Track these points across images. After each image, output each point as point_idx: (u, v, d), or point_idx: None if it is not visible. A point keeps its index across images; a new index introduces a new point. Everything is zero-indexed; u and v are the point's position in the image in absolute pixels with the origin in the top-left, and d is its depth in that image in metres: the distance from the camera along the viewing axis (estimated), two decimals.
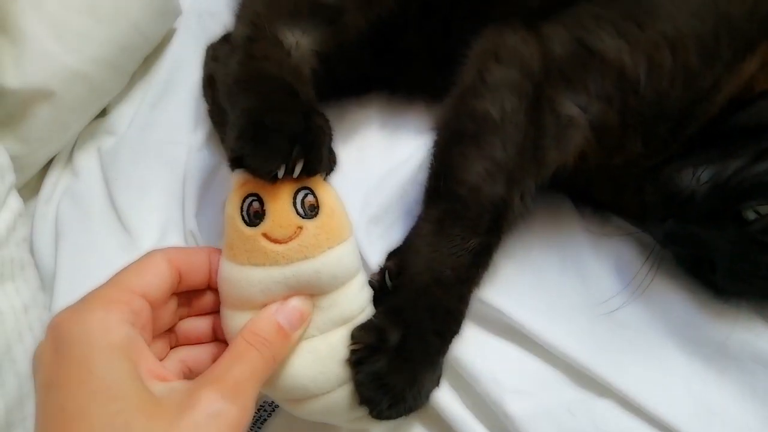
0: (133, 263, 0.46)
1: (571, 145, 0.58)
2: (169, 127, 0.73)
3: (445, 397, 0.58)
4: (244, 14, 0.61)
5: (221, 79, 0.60)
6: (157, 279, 0.46)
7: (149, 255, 0.47)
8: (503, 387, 0.57)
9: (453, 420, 0.57)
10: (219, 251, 0.50)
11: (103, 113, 0.78)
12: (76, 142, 0.76)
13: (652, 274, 0.63)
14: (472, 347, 0.59)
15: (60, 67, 0.68)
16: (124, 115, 0.77)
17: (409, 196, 0.66)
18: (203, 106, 0.72)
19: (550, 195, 0.68)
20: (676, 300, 0.62)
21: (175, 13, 0.80)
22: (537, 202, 0.67)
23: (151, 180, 0.71)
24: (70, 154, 0.76)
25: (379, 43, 0.68)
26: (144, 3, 0.74)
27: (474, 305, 0.60)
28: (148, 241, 0.68)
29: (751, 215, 0.53)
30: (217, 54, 0.70)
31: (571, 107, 0.57)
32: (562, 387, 0.59)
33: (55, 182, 0.75)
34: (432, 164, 0.59)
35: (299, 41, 0.59)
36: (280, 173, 0.46)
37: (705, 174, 0.55)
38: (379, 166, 0.70)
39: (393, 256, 0.59)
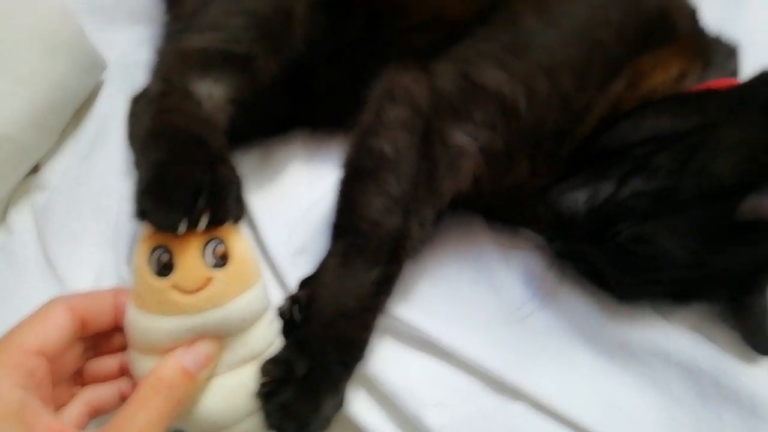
0: (29, 316, 0.47)
1: (463, 173, 0.62)
2: (100, 178, 0.75)
3: (367, 413, 0.62)
4: (157, 69, 0.63)
5: (135, 134, 0.63)
6: (55, 331, 0.46)
7: (48, 306, 0.47)
8: (421, 401, 0.61)
9: None
10: (126, 292, 0.51)
11: (35, 169, 0.79)
12: (8, 200, 0.77)
13: (558, 283, 0.67)
14: (391, 364, 0.63)
15: None
16: (55, 170, 0.78)
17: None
18: (131, 157, 0.74)
19: (462, 213, 0.73)
20: (580, 305, 0.67)
21: (100, 67, 0.82)
22: (450, 220, 0.72)
23: (84, 230, 0.72)
24: (3, 212, 0.77)
25: (293, 84, 0.72)
26: (67, 61, 0.75)
27: (391, 323, 0.64)
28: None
29: (622, 230, 0.58)
30: (135, 109, 0.73)
31: (460, 137, 0.62)
32: (478, 395, 0.63)
33: None
34: (337, 200, 0.63)
35: (211, 91, 0.61)
36: (183, 227, 0.47)
37: (582, 196, 0.60)
38: (304, 199, 0.73)
39: (305, 284, 0.62)
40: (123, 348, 0.52)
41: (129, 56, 0.84)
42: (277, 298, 0.62)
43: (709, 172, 0.56)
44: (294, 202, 0.73)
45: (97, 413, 0.50)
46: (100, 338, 0.52)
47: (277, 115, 0.76)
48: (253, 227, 0.71)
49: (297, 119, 0.78)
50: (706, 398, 0.62)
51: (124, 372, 0.53)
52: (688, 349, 0.63)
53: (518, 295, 0.68)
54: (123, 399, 0.52)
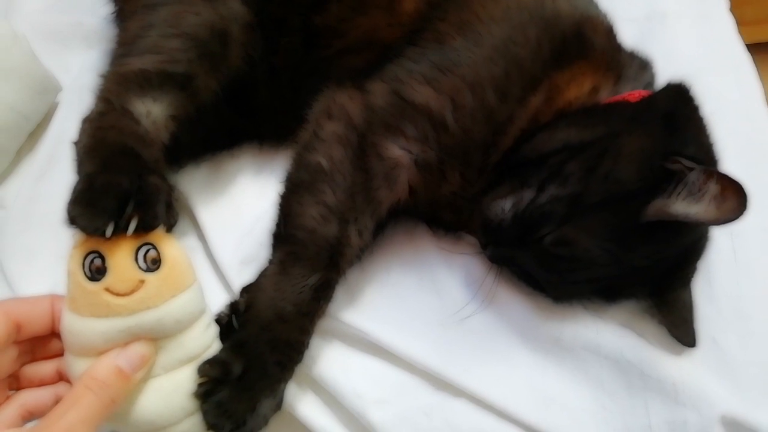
0: None
1: (399, 183, 0.66)
2: (53, 198, 0.74)
3: (314, 413, 0.64)
4: (98, 92, 0.65)
5: (75, 152, 0.65)
6: None
7: None
8: (365, 399, 0.64)
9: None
10: (62, 299, 0.52)
11: None
12: None
13: (495, 285, 0.71)
14: (336, 365, 0.66)
15: None
16: (11, 190, 0.80)
17: None
18: None
19: (406, 221, 0.76)
20: (517, 305, 0.70)
21: (55, 90, 0.84)
22: (394, 228, 0.75)
23: (38, 247, 0.74)
24: None
25: (238, 100, 0.75)
26: (20, 85, 0.78)
27: (337, 326, 0.67)
28: None
29: (544, 234, 0.62)
30: (79, 130, 0.75)
31: (394, 150, 0.65)
32: (420, 393, 0.66)
33: None
34: (277, 212, 0.66)
35: (150, 110, 0.63)
36: (109, 230, 0.49)
37: (507, 204, 0.63)
38: (253, 210, 0.75)
39: (245, 291, 0.65)
40: (60, 353, 0.53)
41: (83, 80, 0.85)
42: (224, 304, 0.64)
43: (613, 178, 0.60)
44: (242, 214, 0.76)
45: (32, 416, 0.51)
46: (37, 343, 0.53)
47: (225, 131, 0.79)
48: (203, 238, 0.73)
49: (244, 135, 0.81)
50: (633, 388, 0.66)
51: (61, 377, 0.54)
52: (617, 343, 0.67)
53: (459, 298, 0.71)
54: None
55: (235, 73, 0.70)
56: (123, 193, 0.52)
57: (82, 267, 0.50)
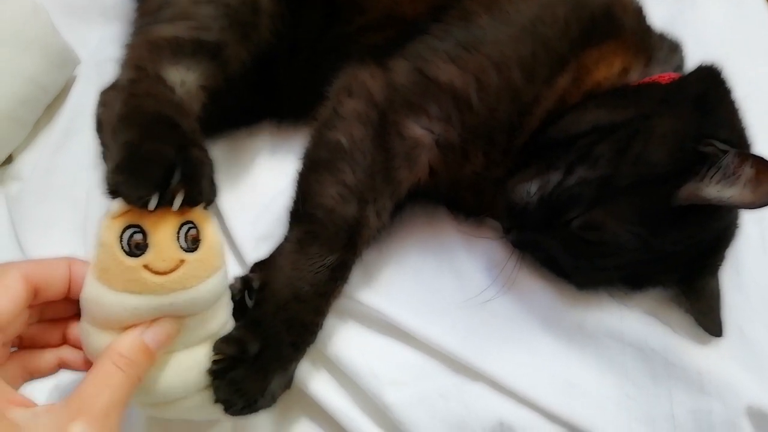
0: None
1: (419, 164, 0.65)
2: (70, 171, 0.77)
3: (329, 392, 0.63)
4: (128, 59, 0.63)
5: (107, 120, 0.63)
6: (9, 303, 0.45)
7: (2, 274, 0.46)
8: (381, 379, 0.63)
9: (337, 413, 0.63)
10: (80, 263, 0.50)
11: (8, 160, 0.81)
12: None
13: (516, 270, 0.69)
14: (353, 345, 0.65)
15: None
16: (28, 162, 0.80)
17: None
18: (100, 150, 0.76)
19: (426, 203, 0.75)
20: (539, 291, 0.69)
21: (73, 63, 0.83)
22: (413, 210, 0.74)
23: (54, 220, 0.74)
24: None
25: (260, 75, 0.74)
26: (39, 57, 0.77)
27: (355, 306, 0.66)
28: None
29: (572, 218, 0.60)
30: (105, 99, 0.74)
31: (415, 129, 0.64)
32: (437, 375, 0.65)
33: None
34: (295, 190, 0.65)
35: (184, 78, 0.61)
36: (154, 202, 0.47)
37: (533, 187, 0.62)
38: (269, 188, 0.74)
39: (257, 267, 0.64)
40: (68, 317, 0.52)
41: (101, 54, 0.85)
42: (234, 277, 0.62)
43: (644, 160, 0.59)
44: (259, 191, 0.75)
45: (32, 377, 0.50)
46: (47, 305, 0.51)
47: (245, 107, 0.78)
48: (219, 215, 0.72)
49: (263, 112, 0.80)
50: (657, 376, 0.64)
51: (66, 341, 0.53)
52: (642, 331, 0.66)
53: (479, 282, 0.70)
54: (61, 367, 0.52)
55: (263, 45, 0.69)
56: (169, 163, 0.49)
57: (119, 240, 0.47)
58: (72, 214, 0.74)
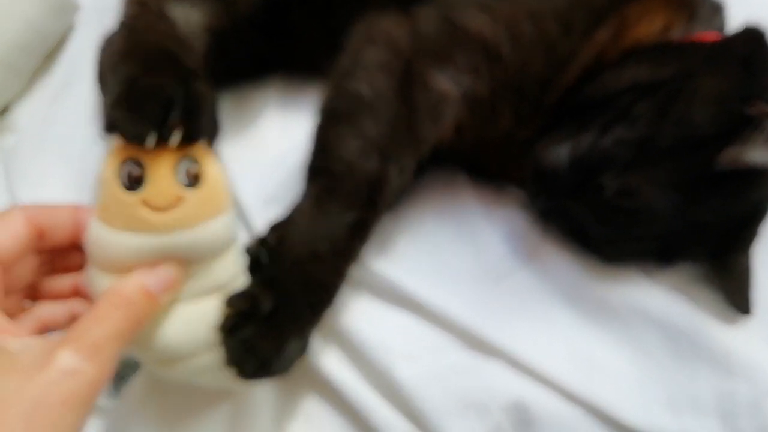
0: None
1: (445, 119, 0.61)
2: (67, 122, 0.74)
3: (336, 365, 0.61)
4: None
5: (106, 58, 0.60)
6: (10, 239, 0.45)
7: (4, 213, 0.47)
8: (393, 354, 0.60)
9: (345, 387, 0.60)
10: (86, 209, 0.50)
11: (4, 111, 0.79)
12: None
13: (540, 241, 0.66)
14: (364, 317, 0.62)
15: None
16: (24, 113, 0.78)
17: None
18: (99, 101, 0.73)
19: (445, 168, 0.71)
20: (561, 263, 0.66)
21: (72, 9, 0.80)
22: (432, 175, 0.70)
23: (49, 173, 0.71)
24: None
25: (271, 21, 0.70)
26: (38, 2, 0.74)
27: (367, 277, 0.64)
28: None
29: (606, 183, 0.57)
30: (107, 41, 0.71)
31: (442, 81, 0.60)
32: (452, 351, 0.62)
33: None
34: (312, 144, 0.61)
35: (188, 15, 0.59)
36: (151, 139, 0.46)
37: (564, 149, 0.58)
38: (277, 146, 0.71)
39: (275, 228, 0.61)
40: (79, 268, 0.51)
41: (101, 1, 0.81)
42: (252, 237, 0.60)
43: (687, 121, 0.56)
44: (266, 149, 0.72)
45: (46, 330, 0.50)
46: (56, 256, 0.51)
47: (253, 57, 0.74)
48: (224, 172, 0.69)
49: (273, 63, 0.76)
50: (681, 356, 0.62)
51: (77, 293, 0.52)
52: (667, 308, 0.63)
53: (499, 253, 0.67)
54: (74, 319, 0.50)
55: None
56: (167, 99, 0.48)
57: (118, 175, 0.46)
58: (68, 168, 0.71)
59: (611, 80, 0.59)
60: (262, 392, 0.61)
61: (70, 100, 0.76)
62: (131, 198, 0.46)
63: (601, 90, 0.59)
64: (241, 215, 0.67)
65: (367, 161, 0.58)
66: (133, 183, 0.46)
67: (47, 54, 0.80)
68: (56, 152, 0.72)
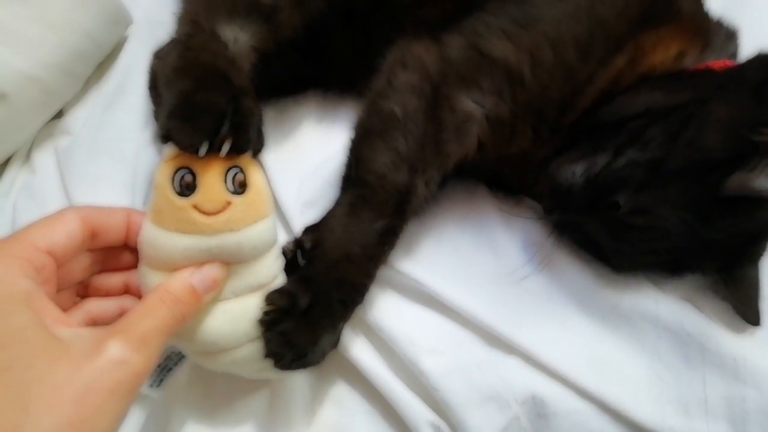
0: (42, 219, 0.47)
1: (469, 137, 0.65)
2: (120, 127, 0.78)
3: (366, 356, 0.65)
4: (184, 14, 0.66)
5: (161, 71, 0.64)
6: (65, 237, 0.47)
7: (61, 212, 0.48)
8: (419, 347, 0.64)
9: (373, 376, 0.64)
10: (139, 213, 0.53)
11: (59, 115, 0.82)
12: (33, 141, 0.81)
13: (554, 249, 0.70)
14: (392, 313, 0.66)
15: (12, 71, 0.72)
16: (78, 117, 0.81)
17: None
18: (151, 108, 0.77)
19: (466, 181, 0.75)
20: (575, 271, 0.70)
21: (126, 22, 0.84)
22: (454, 186, 0.74)
23: (103, 175, 0.75)
24: (28, 152, 0.81)
25: (311, 44, 0.75)
26: (95, 12, 0.78)
27: (394, 276, 0.68)
28: None
29: (619, 201, 0.60)
30: (160, 54, 0.75)
31: (467, 103, 0.64)
32: (473, 347, 0.66)
33: (13, 178, 0.79)
34: (347, 156, 0.66)
35: (237, 36, 0.63)
36: (204, 149, 0.50)
37: (579, 168, 0.62)
38: (315, 156, 0.76)
39: (309, 231, 0.65)
40: (129, 267, 0.54)
41: (153, 15, 0.86)
42: (289, 240, 0.65)
43: (698, 145, 0.58)
44: (305, 159, 0.76)
45: (95, 324, 0.52)
46: (108, 255, 0.54)
47: (293, 75, 0.79)
48: (266, 180, 0.73)
49: (311, 81, 0.81)
50: (691, 361, 0.64)
51: (127, 290, 0.55)
52: (677, 315, 0.66)
53: (516, 259, 0.70)
54: (123, 315, 0.53)
55: (317, 14, 0.70)
56: (220, 113, 0.52)
57: (171, 181, 0.51)
58: (121, 171, 0.75)
59: (626, 105, 0.63)
60: (297, 381, 0.65)
61: (123, 107, 0.80)
62: (183, 202, 0.50)
63: (616, 113, 0.63)
64: (282, 218, 0.71)
65: (397, 174, 0.62)
66: (185, 189, 0.51)
67: (101, 62, 0.84)
68: (109, 155, 0.76)
